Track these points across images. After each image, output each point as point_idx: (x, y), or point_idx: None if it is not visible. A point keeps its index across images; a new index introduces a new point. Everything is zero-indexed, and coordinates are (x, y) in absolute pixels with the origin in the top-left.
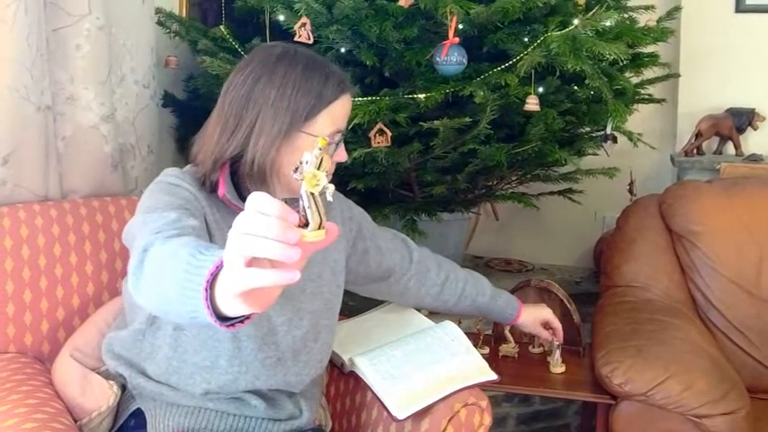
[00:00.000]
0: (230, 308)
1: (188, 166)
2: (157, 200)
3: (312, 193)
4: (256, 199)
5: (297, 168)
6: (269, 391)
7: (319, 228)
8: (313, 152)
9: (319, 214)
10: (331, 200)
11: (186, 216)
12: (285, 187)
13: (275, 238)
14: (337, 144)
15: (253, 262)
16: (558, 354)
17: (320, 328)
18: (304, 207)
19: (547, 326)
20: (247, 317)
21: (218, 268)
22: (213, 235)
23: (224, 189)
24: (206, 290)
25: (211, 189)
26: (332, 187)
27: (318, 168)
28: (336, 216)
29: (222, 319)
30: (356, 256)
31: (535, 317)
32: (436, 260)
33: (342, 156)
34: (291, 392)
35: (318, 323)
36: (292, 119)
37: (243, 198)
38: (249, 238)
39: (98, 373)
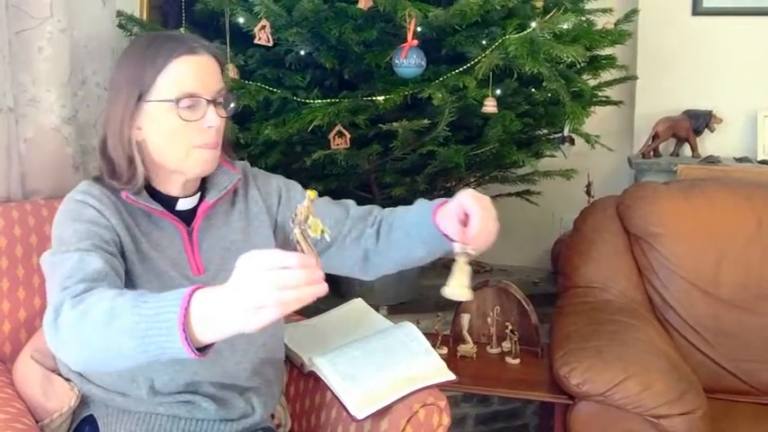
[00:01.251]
0: (218, 336)
1: (95, 176)
2: (64, 229)
3: (303, 232)
4: (269, 258)
5: (294, 219)
6: (217, 390)
7: None
8: (304, 203)
9: (312, 250)
10: (328, 239)
11: (88, 253)
12: (160, 165)
13: (309, 283)
14: (191, 108)
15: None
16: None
17: None
18: (302, 248)
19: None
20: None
21: (186, 309)
22: (124, 243)
23: (126, 193)
24: (183, 332)
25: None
26: (328, 231)
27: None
28: (257, 194)
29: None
30: (285, 224)
31: (455, 209)
32: (378, 215)
33: (213, 120)
34: (242, 390)
35: None
36: (131, 92)
37: (156, 191)
38: (287, 293)
39: (58, 375)
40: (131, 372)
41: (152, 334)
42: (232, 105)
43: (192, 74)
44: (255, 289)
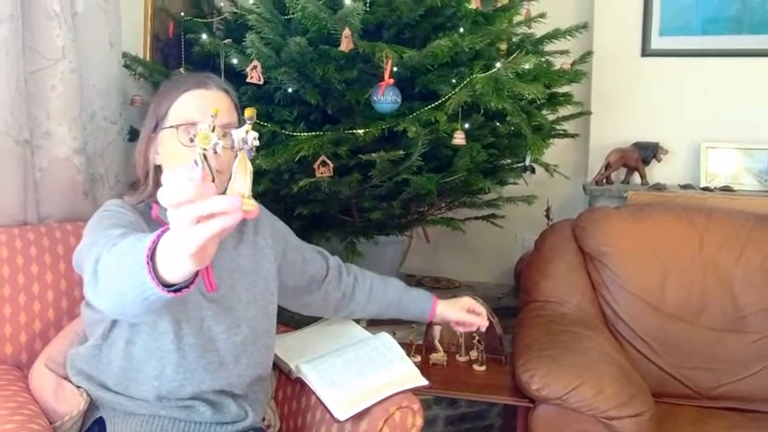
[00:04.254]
0: (179, 271)
1: (126, 197)
2: (102, 223)
3: (204, 153)
4: (168, 175)
5: (192, 139)
6: (215, 396)
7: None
8: (207, 121)
9: (211, 172)
10: (220, 153)
11: (131, 231)
12: None
13: (195, 197)
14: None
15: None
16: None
17: (258, 333)
18: (198, 165)
19: (472, 312)
20: (192, 282)
21: (155, 243)
22: None
23: (157, 210)
24: (148, 263)
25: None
26: (221, 143)
27: (212, 131)
28: (266, 229)
29: (168, 287)
30: (286, 266)
31: (461, 305)
32: (346, 266)
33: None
34: (236, 396)
35: (257, 328)
36: (151, 121)
37: None
38: (182, 208)
39: (70, 381)
40: (140, 378)
41: (135, 269)
42: (248, 142)
43: (198, 104)
44: (171, 213)
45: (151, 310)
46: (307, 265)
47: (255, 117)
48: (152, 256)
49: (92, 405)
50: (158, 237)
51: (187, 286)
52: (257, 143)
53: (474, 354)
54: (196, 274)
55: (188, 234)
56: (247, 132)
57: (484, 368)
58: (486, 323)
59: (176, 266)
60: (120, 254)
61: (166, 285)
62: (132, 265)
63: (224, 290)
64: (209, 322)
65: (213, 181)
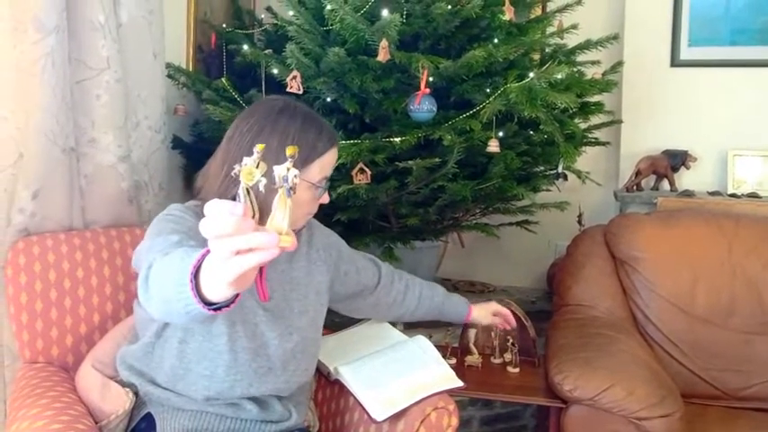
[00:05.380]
0: (219, 293)
1: (190, 202)
2: (163, 227)
3: (247, 188)
4: (211, 207)
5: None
6: (261, 396)
7: (259, 220)
8: (252, 157)
9: (253, 208)
10: (262, 191)
11: (187, 239)
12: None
13: (235, 232)
14: (324, 189)
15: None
16: (510, 356)
17: (308, 342)
18: (240, 200)
19: (498, 315)
20: (232, 301)
21: (200, 261)
22: None
23: None
24: (191, 281)
25: None
26: (264, 180)
27: (257, 168)
28: (319, 243)
29: (210, 305)
30: (339, 278)
31: (487, 309)
32: (397, 273)
33: (326, 198)
34: (281, 397)
35: (306, 337)
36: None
37: None
38: (221, 241)
39: (115, 382)
40: (190, 378)
41: (182, 282)
42: (289, 180)
43: (333, 162)
44: (212, 244)
45: (195, 321)
46: (360, 275)
47: (297, 155)
48: (196, 274)
49: (140, 402)
50: (203, 256)
51: (228, 305)
52: (297, 180)
53: (508, 356)
54: (237, 294)
55: (227, 265)
56: (288, 170)
57: (518, 370)
58: (513, 322)
59: (216, 290)
60: (169, 265)
61: (209, 303)
62: (178, 279)
63: (277, 299)
64: (262, 328)
65: (254, 216)
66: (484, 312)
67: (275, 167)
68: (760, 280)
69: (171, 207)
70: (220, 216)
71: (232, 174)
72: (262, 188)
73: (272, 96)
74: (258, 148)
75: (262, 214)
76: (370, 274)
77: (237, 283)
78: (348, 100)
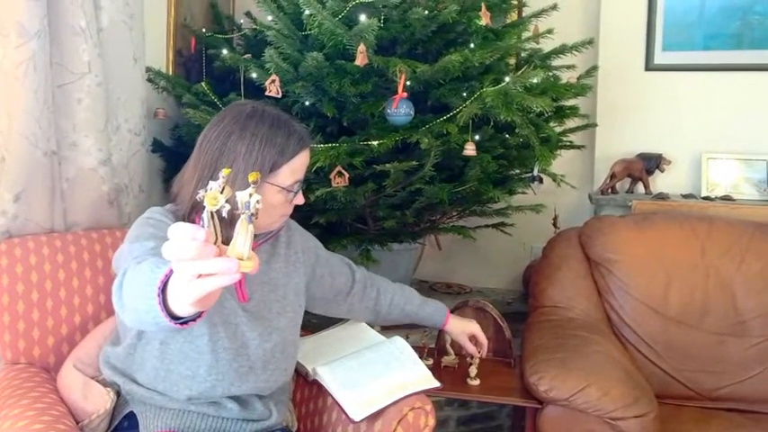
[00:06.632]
0: (184, 310)
1: (169, 205)
2: (141, 232)
3: (211, 212)
4: (174, 231)
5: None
6: (243, 395)
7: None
8: (218, 181)
9: (215, 232)
10: (225, 216)
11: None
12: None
13: (197, 257)
14: (296, 192)
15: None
16: (475, 369)
17: (287, 342)
18: (204, 224)
19: (474, 340)
20: (199, 315)
21: (167, 276)
22: None
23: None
24: (158, 296)
25: None
26: (227, 207)
27: (222, 193)
28: (298, 245)
29: (176, 318)
30: (315, 280)
31: (463, 329)
32: (370, 279)
33: (300, 200)
34: (262, 396)
35: (285, 338)
36: (259, 171)
37: None
38: (183, 264)
39: (97, 381)
40: (172, 378)
41: (150, 296)
42: (251, 207)
43: (304, 165)
44: (174, 266)
45: (163, 332)
46: (334, 278)
47: (259, 181)
48: (164, 288)
49: (122, 401)
50: (171, 271)
51: (194, 320)
52: (260, 206)
53: (473, 370)
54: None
55: (188, 287)
56: (251, 195)
57: (477, 382)
58: (481, 356)
59: (181, 307)
60: (140, 276)
61: (176, 317)
62: (147, 293)
63: (256, 300)
64: (242, 328)
65: (216, 240)
66: (460, 328)
67: (237, 193)
68: (733, 282)
69: (151, 210)
70: (183, 240)
71: (197, 198)
72: (225, 214)
73: (241, 101)
74: (224, 173)
75: (229, 236)
76: (343, 279)
77: (200, 303)
78: (326, 104)
